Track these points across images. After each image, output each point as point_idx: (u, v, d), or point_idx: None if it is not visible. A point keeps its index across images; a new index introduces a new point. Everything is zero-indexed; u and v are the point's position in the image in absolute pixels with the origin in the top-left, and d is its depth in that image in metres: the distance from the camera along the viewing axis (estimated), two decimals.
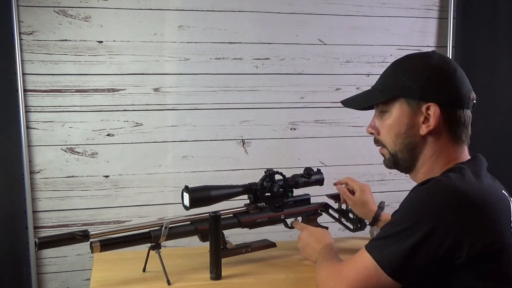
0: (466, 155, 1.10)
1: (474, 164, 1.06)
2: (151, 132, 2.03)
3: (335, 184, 1.54)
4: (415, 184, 1.15)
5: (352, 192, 1.50)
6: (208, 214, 1.33)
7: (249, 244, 1.48)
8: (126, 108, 1.99)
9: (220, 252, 1.33)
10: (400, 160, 1.10)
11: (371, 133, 1.14)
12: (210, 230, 1.32)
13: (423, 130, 1.05)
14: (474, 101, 1.12)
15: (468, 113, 1.10)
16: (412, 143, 1.07)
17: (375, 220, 1.46)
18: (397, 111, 1.07)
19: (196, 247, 1.55)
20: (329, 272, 1.11)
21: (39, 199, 1.94)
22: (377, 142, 1.14)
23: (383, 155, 1.14)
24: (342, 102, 1.20)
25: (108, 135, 1.99)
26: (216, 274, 1.32)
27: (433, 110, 1.03)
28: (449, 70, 1.06)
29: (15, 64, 1.85)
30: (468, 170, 1.01)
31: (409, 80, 1.05)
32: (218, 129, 2.09)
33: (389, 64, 1.13)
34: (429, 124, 1.04)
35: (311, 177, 1.53)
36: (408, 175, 1.14)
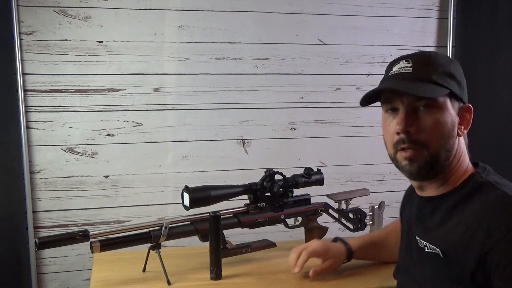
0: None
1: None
2: (151, 132, 2.03)
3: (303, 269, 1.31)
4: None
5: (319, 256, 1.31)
6: (208, 214, 1.33)
7: (249, 244, 1.48)
8: (126, 108, 1.99)
9: (220, 252, 1.33)
10: (439, 164, 0.99)
11: (407, 132, 0.98)
12: (210, 230, 1.32)
13: (461, 131, 1.02)
14: None
15: None
16: (451, 145, 1.00)
17: (350, 253, 1.34)
18: (447, 107, 0.99)
19: (196, 247, 1.55)
20: None
21: (39, 199, 1.94)
22: (413, 142, 0.98)
23: (413, 159, 0.99)
24: (388, 88, 1.01)
25: (108, 135, 1.99)
26: (216, 274, 1.32)
27: (470, 112, 1.03)
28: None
29: (15, 64, 1.85)
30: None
31: (452, 78, 1.00)
32: (218, 129, 2.09)
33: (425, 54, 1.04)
34: (466, 126, 1.03)
35: (311, 177, 1.53)
36: (424, 182, 1.05)
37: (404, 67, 1.01)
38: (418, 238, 1.05)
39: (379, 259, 1.41)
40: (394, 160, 1.04)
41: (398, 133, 0.99)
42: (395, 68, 1.03)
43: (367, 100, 1.06)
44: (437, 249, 0.98)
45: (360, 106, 1.09)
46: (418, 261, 1.06)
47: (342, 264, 1.35)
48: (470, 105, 1.03)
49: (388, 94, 1.02)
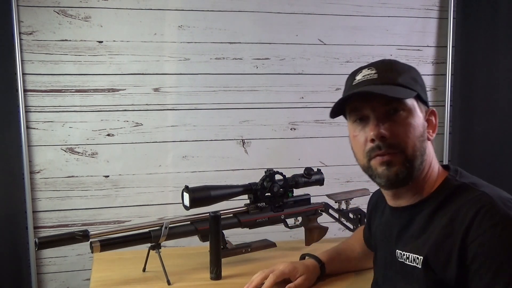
0: None
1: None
2: (151, 132, 2.03)
3: None
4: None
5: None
6: (208, 214, 1.33)
7: (249, 244, 1.48)
8: (126, 108, 1.99)
9: (220, 252, 1.33)
10: (415, 169, 0.96)
11: (382, 137, 0.95)
12: (210, 230, 1.32)
13: (430, 135, 1.00)
14: None
15: None
16: (425, 148, 0.98)
17: (322, 266, 1.29)
18: (416, 110, 0.97)
19: (196, 247, 1.55)
20: None
21: (39, 199, 1.94)
22: (389, 147, 0.95)
23: (390, 164, 0.96)
24: (359, 93, 0.97)
25: (108, 135, 1.99)
26: (216, 274, 1.32)
27: (436, 117, 1.01)
28: None
29: (15, 64, 1.85)
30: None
31: (417, 82, 1.00)
32: (218, 129, 2.09)
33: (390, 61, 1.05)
34: (434, 130, 1.01)
35: (311, 177, 1.53)
36: (400, 190, 1.01)
37: (368, 74, 0.99)
38: (398, 251, 1.02)
39: (349, 268, 1.37)
40: (368, 169, 1.00)
41: (372, 140, 0.96)
42: (358, 77, 1.01)
43: (335, 111, 1.03)
44: (419, 257, 0.96)
45: (331, 118, 1.07)
46: (402, 278, 1.03)
47: (317, 278, 1.29)
48: (434, 109, 1.02)
49: (355, 102, 0.99)
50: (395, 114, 0.95)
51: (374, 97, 0.95)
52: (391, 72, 0.98)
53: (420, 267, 0.95)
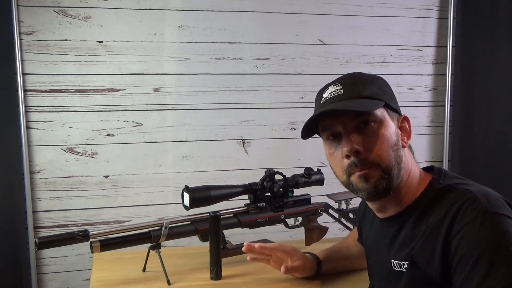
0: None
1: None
2: (151, 132, 2.03)
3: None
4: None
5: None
6: (208, 214, 1.33)
7: None
8: (126, 108, 1.99)
9: (220, 252, 1.33)
10: (393, 178, 0.96)
11: (356, 152, 0.94)
12: (210, 230, 1.32)
13: (405, 141, 1.00)
14: None
15: None
16: (400, 157, 0.97)
17: (319, 263, 1.30)
18: (387, 119, 0.97)
19: (196, 247, 1.55)
20: None
21: (39, 199, 1.94)
22: (364, 162, 0.95)
23: (368, 177, 0.95)
24: (327, 110, 0.97)
25: (108, 135, 1.99)
26: (216, 274, 1.32)
27: (408, 122, 1.01)
28: None
29: (15, 64, 1.85)
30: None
31: (384, 92, 1.00)
32: (218, 129, 2.09)
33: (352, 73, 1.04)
34: (409, 136, 1.01)
35: (311, 177, 1.53)
36: (384, 202, 1.01)
37: (334, 91, 0.99)
38: (394, 262, 1.02)
39: (346, 268, 1.37)
40: (349, 185, 0.99)
41: (347, 156, 0.96)
42: (325, 95, 1.01)
43: (307, 132, 1.03)
44: (406, 262, 0.97)
45: (303, 139, 1.06)
46: (395, 284, 1.03)
47: (312, 275, 1.30)
48: (405, 115, 1.02)
49: (326, 120, 0.99)
50: (366, 126, 0.96)
51: (343, 112, 0.95)
52: (356, 86, 0.98)
53: (408, 269, 0.96)
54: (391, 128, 0.97)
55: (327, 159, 1.04)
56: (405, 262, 0.98)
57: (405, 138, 1.00)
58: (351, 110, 0.95)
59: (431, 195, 0.97)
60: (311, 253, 1.33)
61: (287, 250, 1.25)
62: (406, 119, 1.02)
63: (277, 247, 1.25)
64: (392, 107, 0.99)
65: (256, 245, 1.22)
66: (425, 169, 1.05)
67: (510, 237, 0.85)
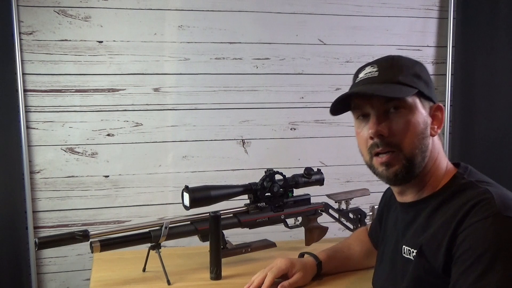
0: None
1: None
2: (151, 132, 2.03)
3: None
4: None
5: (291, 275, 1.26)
6: (208, 214, 1.33)
7: (249, 244, 1.48)
8: (126, 108, 1.99)
9: (220, 252, 1.33)
10: (416, 166, 0.97)
11: (380, 135, 0.97)
12: (210, 230, 1.32)
13: (435, 131, 1.00)
14: None
15: None
16: (426, 145, 0.98)
17: (319, 264, 1.30)
18: (417, 107, 0.97)
19: (196, 247, 1.55)
20: None
21: (39, 199, 1.94)
22: (387, 145, 0.97)
23: (389, 164, 0.98)
24: (356, 92, 1.00)
25: (108, 135, 1.99)
26: (216, 274, 1.32)
27: (443, 111, 1.01)
28: None
29: (15, 64, 1.85)
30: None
31: (420, 78, 0.99)
32: (218, 129, 2.09)
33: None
34: (440, 125, 1.00)
35: (311, 177, 1.53)
36: (404, 187, 1.03)
37: (370, 72, 1.01)
38: (404, 247, 1.03)
39: (347, 268, 1.37)
40: (370, 166, 1.03)
41: (371, 138, 0.98)
42: (361, 75, 1.03)
43: (337, 109, 1.06)
44: (414, 250, 0.98)
45: (332, 115, 1.09)
46: (400, 269, 1.04)
47: (313, 276, 1.30)
48: (440, 104, 1.02)
49: (358, 100, 1.01)
50: (395, 111, 0.97)
51: (374, 95, 0.97)
52: (392, 70, 0.99)
53: (416, 258, 0.97)
54: (420, 115, 0.97)
55: (356, 137, 1.07)
56: (414, 249, 0.99)
57: (435, 127, 1.01)
58: (380, 95, 0.96)
59: (452, 189, 0.98)
60: (311, 253, 1.33)
61: (283, 269, 1.25)
62: (439, 108, 1.01)
63: (274, 275, 1.23)
64: (426, 95, 0.99)
65: (280, 286, 1.21)
66: (453, 164, 1.05)
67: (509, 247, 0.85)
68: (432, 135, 1.00)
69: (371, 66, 1.02)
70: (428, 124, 0.99)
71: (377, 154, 0.99)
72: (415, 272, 0.98)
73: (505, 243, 0.85)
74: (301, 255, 1.36)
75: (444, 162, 1.03)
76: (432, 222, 0.97)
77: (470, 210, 0.90)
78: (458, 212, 0.91)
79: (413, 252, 1.00)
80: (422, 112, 0.98)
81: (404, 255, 1.03)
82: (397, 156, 0.97)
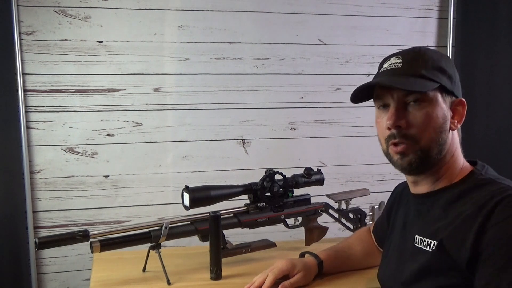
0: None
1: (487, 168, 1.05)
2: (151, 132, 2.03)
3: None
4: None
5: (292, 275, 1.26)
6: (208, 214, 1.33)
7: (249, 244, 1.48)
8: (126, 108, 1.99)
9: (220, 252, 1.33)
10: (431, 158, 1.00)
11: (398, 126, 0.99)
12: (210, 230, 1.32)
13: (455, 125, 1.02)
14: None
15: None
16: (444, 139, 1.00)
17: (320, 264, 1.30)
18: (437, 102, 0.99)
19: (196, 247, 1.55)
20: None
21: (39, 199, 1.94)
22: (404, 136, 0.99)
23: (404, 154, 1.00)
24: (376, 83, 1.02)
25: (108, 135, 1.99)
26: (216, 274, 1.32)
27: (463, 106, 1.02)
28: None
29: (15, 64, 1.85)
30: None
31: (443, 72, 1.01)
32: (218, 129, 2.09)
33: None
34: (460, 120, 1.02)
35: (311, 177, 1.53)
36: (418, 177, 1.05)
37: (394, 63, 1.02)
38: (417, 236, 1.04)
39: (348, 267, 1.37)
40: (387, 155, 1.05)
41: (389, 128, 1.00)
42: (386, 65, 1.04)
43: (359, 97, 1.07)
44: (434, 242, 0.98)
45: (352, 103, 1.10)
46: (410, 257, 1.05)
47: (314, 277, 1.30)
48: (463, 99, 1.03)
49: (379, 90, 1.03)
50: (415, 104, 0.99)
51: (393, 87, 0.99)
52: (416, 62, 1.01)
53: (434, 251, 0.97)
54: (440, 110, 0.99)
55: (376, 126, 1.09)
56: (428, 239, 0.99)
57: (456, 121, 1.02)
58: (400, 88, 0.98)
59: (470, 183, 0.99)
60: (312, 253, 1.33)
61: (284, 270, 1.25)
62: (461, 103, 1.02)
63: (275, 276, 1.23)
64: (449, 89, 1.00)
65: (281, 286, 1.21)
66: (468, 161, 1.07)
67: None
68: (452, 129, 1.02)
69: (396, 57, 1.03)
70: (448, 118, 1.01)
71: (394, 144, 1.01)
72: (432, 265, 0.98)
73: None
74: (302, 255, 1.36)
75: (460, 157, 1.05)
76: (450, 213, 0.97)
77: (494, 208, 0.90)
78: (482, 207, 0.91)
79: (429, 243, 0.99)
80: (442, 106, 1.00)
81: (416, 244, 1.03)
82: (412, 147, 0.99)
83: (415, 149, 0.99)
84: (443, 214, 0.99)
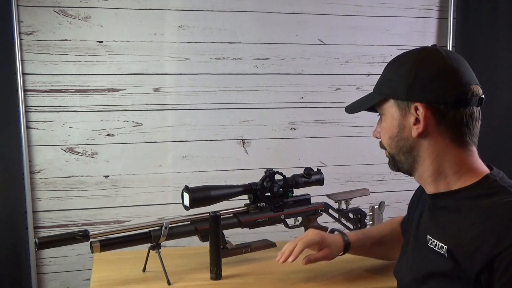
0: (476, 158, 1.01)
1: (502, 176, 1.01)
2: (151, 132, 2.03)
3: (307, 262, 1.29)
4: (417, 185, 1.13)
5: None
6: (208, 214, 1.33)
7: (249, 244, 1.48)
8: (126, 108, 1.99)
9: (220, 252, 1.33)
10: (399, 163, 1.07)
11: (377, 137, 1.11)
12: (210, 230, 1.32)
13: (414, 132, 0.99)
14: (480, 96, 0.99)
15: (468, 111, 0.97)
16: (407, 146, 1.02)
17: (347, 244, 1.32)
18: (389, 113, 1.03)
19: (196, 247, 1.55)
20: None
21: (39, 199, 1.94)
22: (380, 145, 1.11)
23: (387, 157, 1.11)
24: (345, 109, 1.16)
25: (108, 135, 1.99)
26: (216, 274, 1.32)
27: (421, 111, 0.97)
28: (442, 66, 0.98)
29: (15, 64, 1.85)
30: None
31: (398, 80, 1.00)
32: (218, 129, 2.09)
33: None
34: (419, 126, 0.98)
35: (311, 177, 1.53)
36: (410, 176, 1.10)
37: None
38: (429, 237, 1.03)
39: (375, 255, 1.39)
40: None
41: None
42: None
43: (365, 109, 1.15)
44: (444, 246, 0.97)
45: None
46: (423, 256, 1.05)
47: (338, 256, 1.32)
48: (417, 103, 0.97)
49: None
50: (381, 116, 1.09)
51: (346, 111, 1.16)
52: (381, 74, 1.08)
53: (445, 255, 0.96)
54: (391, 120, 1.04)
55: None
56: (439, 242, 0.99)
57: (415, 127, 0.99)
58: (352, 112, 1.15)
59: (483, 188, 0.96)
60: (343, 232, 1.35)
61: (315, 241, 1.28)
62: (416, 108, 0.98)
63: (305, 246, 1.26)
64: (402, 97, 0.99)
65: (290, 259, 1.25)
66: (486, 165, 1.04)
67: None
68: (413, 136, 1.00)
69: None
70: (405, 126, 1.01)
71: None
72: (442, 269, 0.97)
73: None
74: (331, 231, 1.37)
75: (448, 164, 1.01)
76: (460, 218, 0.96)
77: (509, 223, 0.87)
78: (496, 222, 0.89)
79: (440, 246, 0.98)
80: (394, 116, 1.03)
81: (428, 245, 1.03)
82: (386, 152, 1.10)
83: (387, 154, 1.09)
84: (453, 217, 0.98)
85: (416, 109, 0.98)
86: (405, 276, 1.12)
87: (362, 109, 1.11)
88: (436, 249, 1.00)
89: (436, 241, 1.00)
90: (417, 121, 0.98)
